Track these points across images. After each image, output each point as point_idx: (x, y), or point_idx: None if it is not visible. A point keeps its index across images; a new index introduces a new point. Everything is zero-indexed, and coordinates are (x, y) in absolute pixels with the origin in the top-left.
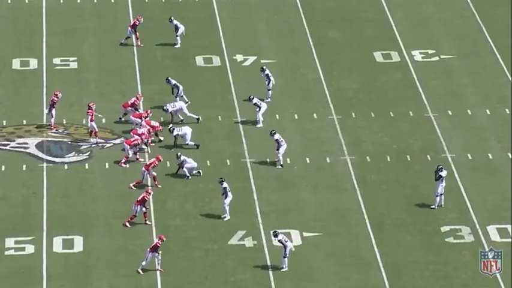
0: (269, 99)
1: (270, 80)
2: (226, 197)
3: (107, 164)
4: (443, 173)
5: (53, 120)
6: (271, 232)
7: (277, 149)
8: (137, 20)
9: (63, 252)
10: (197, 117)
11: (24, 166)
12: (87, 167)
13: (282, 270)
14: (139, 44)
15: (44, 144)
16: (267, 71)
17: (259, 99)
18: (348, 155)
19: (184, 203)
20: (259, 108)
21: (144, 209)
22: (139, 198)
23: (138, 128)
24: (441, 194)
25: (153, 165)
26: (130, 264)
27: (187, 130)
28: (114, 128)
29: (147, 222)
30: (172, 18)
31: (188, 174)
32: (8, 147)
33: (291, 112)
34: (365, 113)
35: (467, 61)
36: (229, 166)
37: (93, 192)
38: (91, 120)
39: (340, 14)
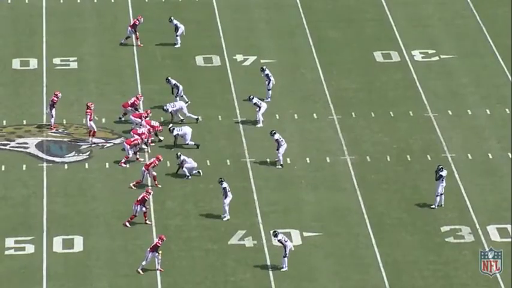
0: (269, 99)
1: (270, 80)
2: (226, 197)
3: (107, 164)
4: (444, 173)
5: (53, 120)
6: (271, 232)
7: (277, 149)
8: (137, 19)
9: (63, 252)
10: (196, 117)
11: (24, 166)
12: (87, 166)
13: (282, 270)
14: (139, 44)
15: (44, 144)
16: (267, 71)
17: (259, 99)
18: (348, 155)
19: (184, 203)
20: (259, 108)
21: (144, 208)
22: (139, 198)
23: (138, 128)
24: (441, 194)
25: (153, 165)
26: (130, 264)
27: (187, 130)
28: (114, 128)
29: (147, 222)
30: (172, 18)
31: (188, 174)
32: (8, 147)
33: (291, 112)
34: (365, 113)
35: (467, 61)
36: (229, 166)
37: (93, 192)
38: (90, 120)
39: (340, 14)
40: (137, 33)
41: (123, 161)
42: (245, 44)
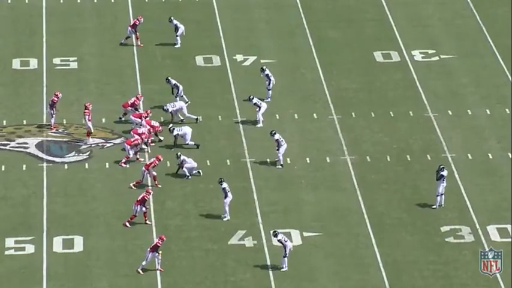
0: (269, 99)
1: (270, 80)
2: (226, 197)
3: (107, 164)
4: (445, 173)
5: (53, 120)
6: (271, 232)
7: (277, 149)
8: (137, 19)
9: (63, 252)
10: (196, 117)
11: (24, 166)
12: (87, 166)
13: (282, 270)
14: (139, 44)
15: (44, 144)
16: (267, 71)
17: (259, 99)
18: (348, 155)
19: (184, 203)
20: (259, 108)
21: (144, 208)
22: (139, 198)
23: (138, 128)
24: (442, 194)
25: (153, 165)
26: (130, 264)
27: (187, 130)
28: (114, 128)
29: (147, 222)
30: (172, 18)
31: (188, 174)
32: (8, 147)
33: (291, 112)
34: (365, 113)
35: (467, 61)
36: (229, 166)
37: (93, 192)
38: (88, 120)
39: (340, 14)
40: (137, 33)
41: (123, 161)
42: (245, 44)
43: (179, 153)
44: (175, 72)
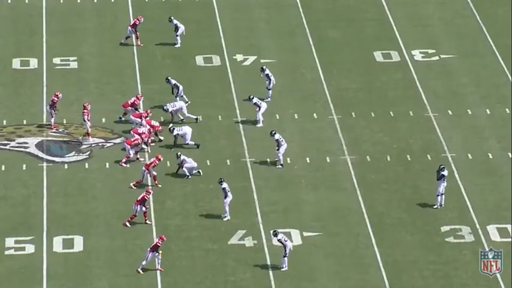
0: (269, 99)
1: (270, 79)
2: (226, 197)
3: (107, 164)
4: (446, 172)
5: (53, 120)
6: (271, 232)
7: (278, 149)
8: (137, 19)
9: (63, 252)
10: (195, 117)
11: (24, 166)
12: (87, 166)
13: (282, 269)
14: (139, 43)
15: (44, 143)
16: (267, 71)
17: (259, 99)
18: (348, 155)
19: (184, 202)
20: (259, 108)
21: (144, 208)
22: (139, 197)
23: (138, 128)
24: (442, 194)
25: (153, 164)
26: (130, 264)
27: (187, 130)
28: (114, 128)
29: (147, 221)
30: (172, 18)
31: (188, 174)
32: (8, 147)
33: (291, 112)
34: (365, 113)
35: (467, 61)
36: (229, 166)
37: (93, 192)
38: (88, 120)
39: (340, 14)
40: (137, 33)
41: (123, 160)
42: (245, 44)
43: (179, 153)
44: (175, 72)
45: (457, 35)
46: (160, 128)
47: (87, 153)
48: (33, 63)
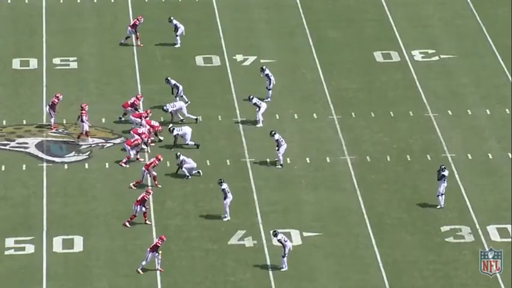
0: (269, 99)
1: (270, 79)
2: (225, 198)
3: (107, 164)
4: (446, 173)
5: (52, 120)
6: (271, 232)
7: (277, 149)
8: (137, 19)
9: (63, 252)
10: (195, 117)
11: (24, 166)
12: (87, 166)
13: (281, 270)
14: (139, 44)
15: (44, 144)
16: (267, 71)
17: (259, 99)
18: (348, 155)
19: (184, 203)
20: (259, 108)
21: (144, 208)
22: (139, 198)
23: (138, 128)
24: (442, 194)
25: (153, 165)
26: (130, 264)
27: (187, 130)
28: (114, 128)
29: (147, 222)
30: (172, 18)
31: (188, 174)
32: (8, 147)
33: (291, 112)
34: (365, 113)
35: (467, 61)
36: (229, 166)
37: (93, 192)
38: (85, 121)
39: (340, 14)
40: (137, 33)
41: (123, 161)
42: (245, 44)
43: (179, 153)
44: (175, 72)
45: (457, 36)
46: (160, 128)
47: (87, 153)
48: (33, 63)
